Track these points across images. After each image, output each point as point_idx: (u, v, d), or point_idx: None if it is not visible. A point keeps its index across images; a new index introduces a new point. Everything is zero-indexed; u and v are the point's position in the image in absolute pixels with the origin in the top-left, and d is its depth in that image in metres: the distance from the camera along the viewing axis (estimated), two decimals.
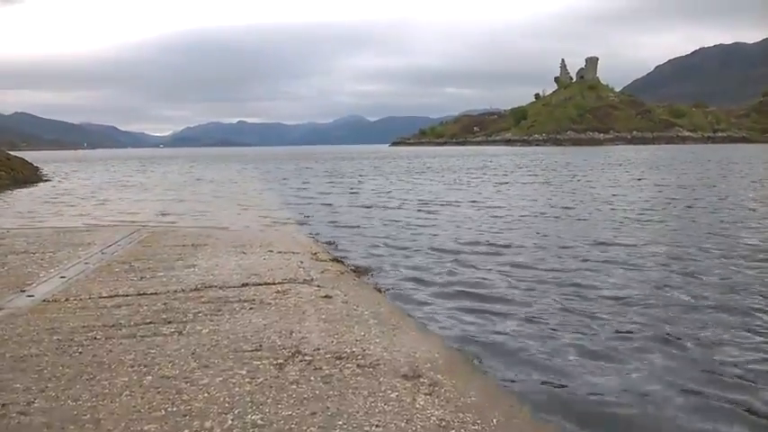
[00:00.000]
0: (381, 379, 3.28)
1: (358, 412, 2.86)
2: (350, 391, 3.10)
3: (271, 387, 3.11)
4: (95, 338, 3.87)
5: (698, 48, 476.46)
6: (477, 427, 2.87)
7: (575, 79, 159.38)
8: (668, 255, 8.17)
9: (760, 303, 5.73)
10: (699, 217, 12.14)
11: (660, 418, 3.56)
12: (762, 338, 4.80)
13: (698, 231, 10.26)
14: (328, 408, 2.89)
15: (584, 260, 7.83)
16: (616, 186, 20.58)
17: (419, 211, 14.00)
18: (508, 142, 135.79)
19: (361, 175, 30.41)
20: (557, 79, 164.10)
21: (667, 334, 4.90)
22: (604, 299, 5.97)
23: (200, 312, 4.47)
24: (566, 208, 14.09)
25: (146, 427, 2.67)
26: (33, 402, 2.91)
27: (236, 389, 3.08)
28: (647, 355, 4.50)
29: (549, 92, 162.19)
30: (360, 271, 7.04)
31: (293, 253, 7.17)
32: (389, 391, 3.12)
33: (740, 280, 6.70)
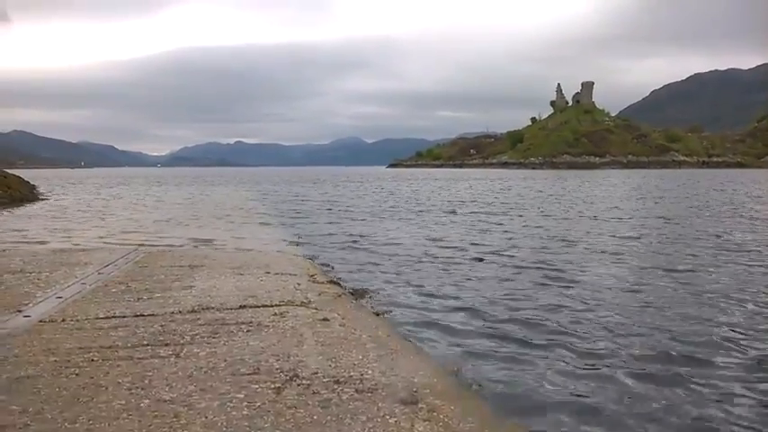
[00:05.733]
0: (380, 404, 3.26)
1: None
2: (348, 415, 3.08)
3: (269, 411, 3.09)
4: (92, 360, 3.85)
5: (692, 73, 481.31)
6: None
7: (570, 103, 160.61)
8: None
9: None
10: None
11: None
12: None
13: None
14: None
15: (576, 290, 7.84)
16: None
17: (426, 237, 14.00)
18: (504, 165, 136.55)
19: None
20: (552, 103, 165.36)
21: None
22: (607, 327, 5.96)
23: (197, 335, 4.46)
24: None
25: None
26: (30, 425, 2.89)
27: (234, 413, 3.06)
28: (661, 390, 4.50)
29: (544, 116, 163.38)
30: (357, 293, 7.03)
31: (290, 275, 7.16)
32: (388, 417, 3.10)
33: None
